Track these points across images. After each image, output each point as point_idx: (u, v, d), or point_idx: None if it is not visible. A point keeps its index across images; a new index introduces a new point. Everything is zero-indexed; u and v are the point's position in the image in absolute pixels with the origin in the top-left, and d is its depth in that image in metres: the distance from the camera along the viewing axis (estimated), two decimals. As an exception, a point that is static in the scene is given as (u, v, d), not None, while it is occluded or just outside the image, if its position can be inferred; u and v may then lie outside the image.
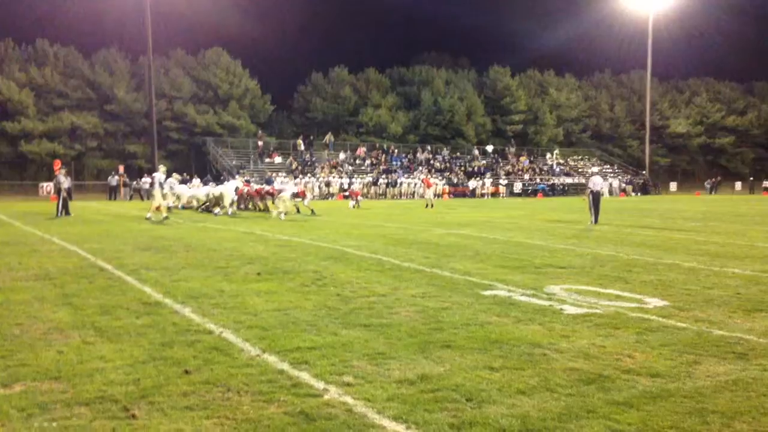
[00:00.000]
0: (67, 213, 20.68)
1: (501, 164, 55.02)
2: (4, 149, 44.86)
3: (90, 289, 7.52)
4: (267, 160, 46.33)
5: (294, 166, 44.39)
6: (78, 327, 5.69)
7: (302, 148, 47.78)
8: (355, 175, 45.19)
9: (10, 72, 45.51)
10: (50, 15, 50.58)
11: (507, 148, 58.19)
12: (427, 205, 28.72)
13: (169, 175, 22.60)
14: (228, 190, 22.52)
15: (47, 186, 35.53)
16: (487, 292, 7.45)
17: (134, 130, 49.37)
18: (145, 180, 34.70)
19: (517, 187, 50.04)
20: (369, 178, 44.69)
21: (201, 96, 52.21)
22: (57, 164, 29.40)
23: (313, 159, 47.37)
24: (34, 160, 44.82)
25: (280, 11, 57.06)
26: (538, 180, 53.04)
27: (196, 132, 50.00)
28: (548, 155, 59.25)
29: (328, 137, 50.77)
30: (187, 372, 4.37)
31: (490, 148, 56.93)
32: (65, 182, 21.29)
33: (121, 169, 39.99)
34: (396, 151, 52.17)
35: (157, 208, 18.95)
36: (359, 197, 29.72)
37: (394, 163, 49.92)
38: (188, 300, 6.87)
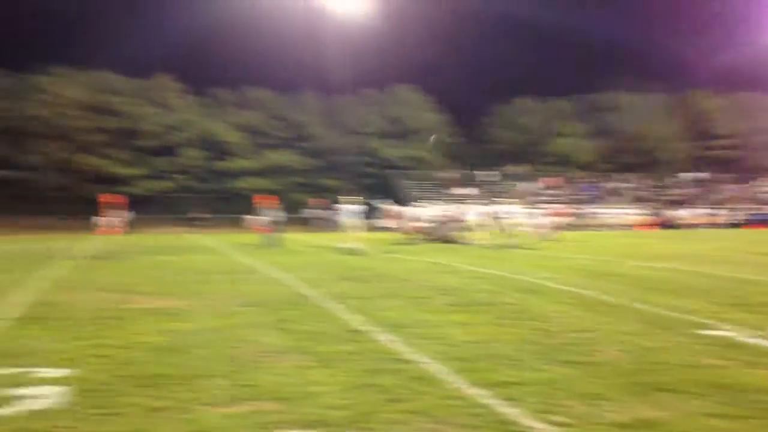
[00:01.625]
0: (276, 244, 22.37)
1: (704, 192, 50.93)
2: (218, 185, 49.79)
3: (299, 316, 8.01)
4: (452, 191, 46.88)
5: (480, 197, 44.47)
6: (291, 351, 6.07)
7: (488, 178, 47.81)
8: (543, 206, 44.16)
9: (226, 116, 50.77)
10: (256, 64, 55.80)
11: (709, 175, 53.82)
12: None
13: (353, 203, 23.52)
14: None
15: (255, 219, 38.75)
16: (704, 332, 6.83)
17: (330, 165, 52.49)
18: (337, 212, 36.56)
19: (726, 216, 45.91)
20: (556, 209, 43.44)
21: (388, 130, 54.45)
22: (263, 199, 31.95)
23: (500, 189, 47.15)
24: (244, 195, 49.25)
25: (463, 43, 58.05)
26: (748, 209, 48.29)
27: (384, 165, 52.06)
28: (761, 181, 53.88)
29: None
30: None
31: (690, 175, 53.02)
32: (272, 215, 23.13)
33: (318, 202, 42.64)
34: (585, 180, 50.37)
35: (352, 239, 19.90)
36: (550, 228, 28.95)
37: (584, 192, 48.21)
38: (389, 329, 7.06)
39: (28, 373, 5.35)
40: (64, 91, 45.53)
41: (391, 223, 23.00)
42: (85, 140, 45.72)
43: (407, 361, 5.61)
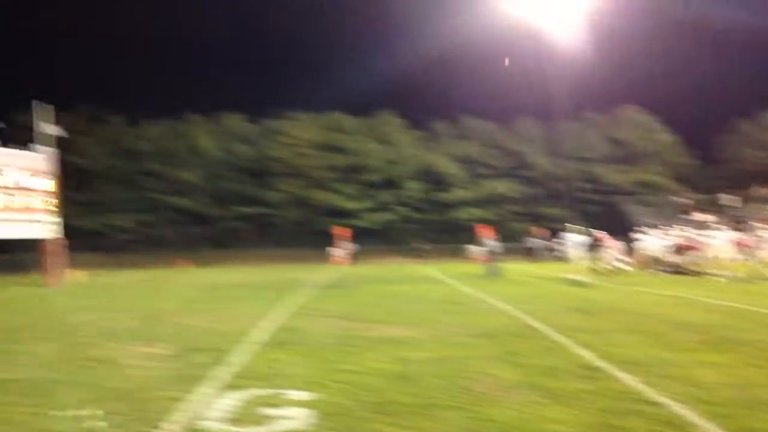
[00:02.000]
0: (497, 274, 22.29)
1: None
2: (438, 216, 51.02)
3: (528, 349, 7.82)
4: (688, 217, 43.18)
5: (720, 222, 40.40)
6: (523, 386, 5.93)
7: (729, 202, 43.40)
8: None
9: (444, 148, 52.11)
10: (473, 95, 56.73)
11: None
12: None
13: (578, 232, 22.65)
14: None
15: (475, 249, 38.99)
16: None
17: (550, 193, 51.32)
18: (561, 241, 35.48)
19: None
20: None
21: (613, 155, 51.97)
22: (483, 228, 32.03)
23: (744, 214, 42.48)
24: (463, 225, 49.85)
25: (692, 56, 53.73)
26: None
27: (610, 191, 49.65)
28: None
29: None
30: None
31: None
32: (493, 245, 23.11)
33: (540, 231, 41.77)
34: None
35: (579, 269, 19.15)
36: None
37: None
38: (627, 366, 6.61)
39: (278, 394, 5.82)
40: (301, 133, 50.02)
41: (618, 253, 21.75)
42: (318, 177, 49.68)
43: (652, 403, 5.19)
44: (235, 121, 52.50)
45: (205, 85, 71.06)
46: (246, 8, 77.59)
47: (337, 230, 39.69)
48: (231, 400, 5.59)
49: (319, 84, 62.86)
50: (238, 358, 7.62)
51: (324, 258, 38.31)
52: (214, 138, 51.06)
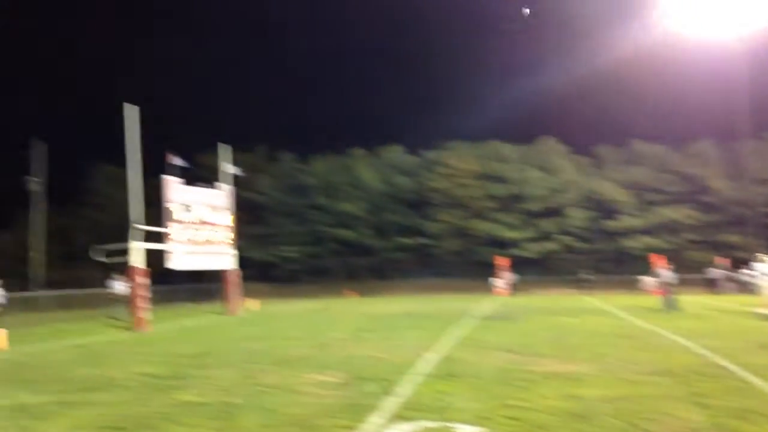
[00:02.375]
0: (674, 307, 20.76)
1: None
2: (605, 245, 48.68)
3: (715, 389, 7.15)
4: None
5: None
6: (712, 429, 5.40)
7: None
8: None
9: (610, 174, 49.81)
10: (642, 117, 53.75)
11: None
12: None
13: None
14: None
15: (648, 279, 36.68)
16: None
17: (731, 219, 47.24)
18: (748, 271, 32.38)
19: None
20: None
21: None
22: (657, 258, 30.13)
23: None
24: (633, 254, 47.15)
25: None
26: None
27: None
28: None
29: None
30: None
31: None
32: (668, 276, 21.58)
33: (723, 261, 38.46)
34: None
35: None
36: None
37: None
38: (840, 415, 5.82)
39: (448, 427, 5.75)
40: (460, 163, 50.18)
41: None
42: (478, 207, 49.44)
43: None
44: (395, 154, 53.87)
45: (368, 120, 73.80)
46: (403, 42, 79.89)
47: (498, 260, 39.21)
48: (401, 431, 5.60)
49: (477, 113, 62.85)
50: (406, 388, 7.65)
51: (484, 288, 37.93)
52: (376, 171, 52.64)
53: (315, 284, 46.47)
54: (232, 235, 25.53)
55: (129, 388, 8.26)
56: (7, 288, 20.97)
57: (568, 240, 48.73)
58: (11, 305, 21.77)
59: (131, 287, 19.38)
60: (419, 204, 51.01)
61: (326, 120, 73.50)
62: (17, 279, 40.20)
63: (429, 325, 16.83)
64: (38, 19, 78.18)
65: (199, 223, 23.48)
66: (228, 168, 26.29)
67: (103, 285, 25.48)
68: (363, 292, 41.20)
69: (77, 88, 74.23)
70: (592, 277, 40.01)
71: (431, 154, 52.06)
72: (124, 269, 20.18)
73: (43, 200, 41.07)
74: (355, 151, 54.36)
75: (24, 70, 72.16)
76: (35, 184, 40.04)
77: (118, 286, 23.34)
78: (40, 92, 71.14)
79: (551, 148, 52.18)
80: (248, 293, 28.69)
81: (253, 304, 28.78)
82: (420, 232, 49.81)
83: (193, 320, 22.37)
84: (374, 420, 6.08)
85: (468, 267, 47.09)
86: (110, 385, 8.51)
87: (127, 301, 20.05)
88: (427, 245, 49.53)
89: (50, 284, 37.00)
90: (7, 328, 15.68)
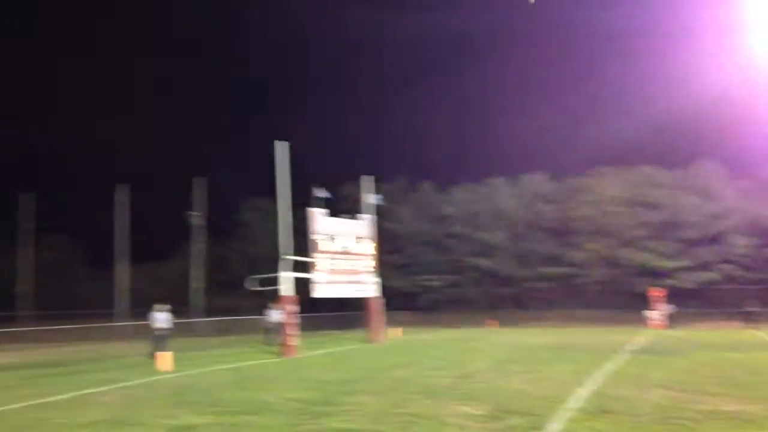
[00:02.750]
0: None
1: None
2: (773, 275, 44.55)
3: None
4: None
5: None
6: None
7: None
8: None
9: (775, 198, 45.76)
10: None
11: None
12: None
13: None
14: None
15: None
16: None
17: None
18: None
19: None
20: None
21: None
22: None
23: None
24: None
25: None
26: None
27: None
28: None
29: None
30: None
31: None
32: None
33: None
34: None
35: None
36: None
37: None
38: None
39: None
40: (607, 189, 48.14)
41: None
42: (627, 234, 47.03)
43: None
44: (537, 181, 52.70)
45: (507, 147, 72.99)
46: (542, 67, 78.57)
47: (653, 291, 36.98)
48: (554, 469, 5.36)
49: (624, 136, 60.16)
50: (555, 424, 7.34)
51: (635, 320, 35.89)
52: (517, 199, 51.77)
53: (456, 313, 46.18)
54: (375, 264, 26.03)
55: (282, 413, 8.57)
56: (173, 314, 22.61)
57: (729, 269, 45.05)
58: (175, 330, 23.44)
59: (285, 315, 20.23)
60: (563, 232, 49.43)
61: (465, 149, 73.47)
62: (179, 306, 43.41)
63: (578, 358, 16.12)
64: (198, 59, 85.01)
65: (343, 252, 24.18)
66: (370, 198, 26.94)
67: (256, 313, 26.80)
68: (504, 323, 40.38)
69: (231, 127, 79.74)
70: (759, 310, 36.65)
71: (575, 181, 50.44)
72: (276, 298, 21.12)
73: (203, 233, 44.19)
74: (495, 179, 53.89)
75: (184, 112, 78.50)
76: (196, 218, 43.22)
77: (274, 315, 24.40)
78: (198, 132, 76.93)
79: (709, 173, 48.77)
80: (391, 322, 29.01)
81: (395, 333, 29.06)
82: (564, 261, 48.18)
83: (338, 347, 22.94)
84: (524, 455, 5.87)
85: (617, 297, 44.76)
86: (265, 409, 8.87)
87: (280, 328, 20.95)
88: (572, 275, 47.75)
89: (209, 311, 39.52)
90: (172, 352, 16.89)
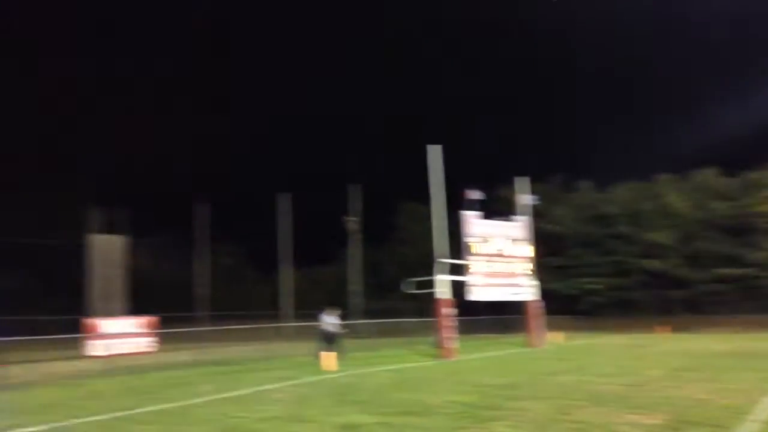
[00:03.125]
0: None
1: None
2: None
3: None
4: None
5: None
6: None
7: None
8: None
9: None
10: None
11: None
12: None
13: None
14: None
15: None
16: None
17: None
18: None
19: None
20: None
21: None
22: None
23: None
24: None
25: None
26: None
27: None
28: None
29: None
30: None
31: None
32: None
33: None
34: None
35: None
36: None
37: None
38: None
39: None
40: (789, 183, 43.74)
41: None
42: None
43: None
44: (709, 177, 48.82)
45: (675, 143, 68.38)
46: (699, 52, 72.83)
47: None
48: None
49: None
50: (744, 437, 6.71)
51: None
52: (686, 196, 48.33)
53: (622, 318, 43.95)
54: (531, 267, 25.40)
55: (444, 415, 8.55)
56: (343, 318, 23.37)
57: None
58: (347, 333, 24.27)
59: (443, 318, 20.28)
60: (740, 230, 45.46)
61: (625, 147, 69.79)
62: (338, 308, 44.97)
63: (762, 366, 14.69)
64: (344, 76, 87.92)
65: (498, 255, 23.83)
66: (525, 199, 26.36)
67: (412, 315, 27.15)
68: (676, 328, 37.81)
69: (385, 132, 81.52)
70: None
71: (754, 175, 46.19)
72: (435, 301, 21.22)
73: (359, 237, 45.56)
74: (661, 176, 50.70)
75: (337, 123, 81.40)
76: (352, 223, 44.69)
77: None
78: (352, 139, 79.40)
79: None
80: (551, 326, 28.16)
81: (557, 338, 28.16)
82: (742, 262, 44.24)
83: (496, 351, 22.61)
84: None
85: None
86: (427, 411, 8.90)
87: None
88: (751, 276, 43.71)
89: (367, 313, 40.60)
90: (337, 353, 17.50)
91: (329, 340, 18.87)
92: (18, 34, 59.44)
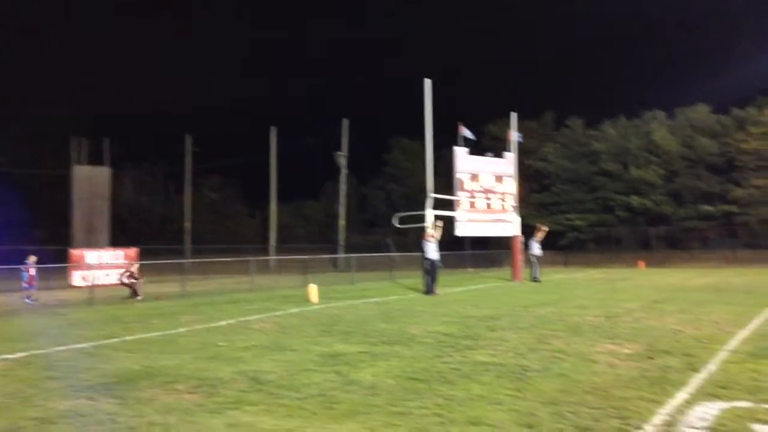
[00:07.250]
0: None
1: None
2: None
3: None
4: None
5: None
6: None
7: None
8: None
9: None
10: None
11: None
12: None
13: None
14: None
15: None
16: None
17: None
18: None
19: None
20: None
21: None
22: None
23: None
24: None
25: None
26: None
27: None
28: None
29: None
30: None
31: None
32: None
33: None
34: None
35: None
36: None
37: None
38: None
39: (763, 410, 5.04)
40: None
41: None
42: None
43: None
44: (698, 114, 48.63)
45: (663, 80, 67.92)
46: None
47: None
48: (713, 410, 5.04)
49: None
50: (713, 366, 6.91)
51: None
52: (673, 133, 48.30)
53: (603, 254, 44.58)
54: (516, 203, 25.52)
55: (426, 344, 8.71)
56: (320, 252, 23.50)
57: None
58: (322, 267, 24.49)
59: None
60: (725, 168, 45.79)
61: (619, 82, 69.29)
62: (325, 243, 45.31)
63: (738, 300, 15.02)
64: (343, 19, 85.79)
65: (484, 191, 23.87)
66: (513, 136, 26.27)
67: (390, 249, 27.24)
68: (654, 263, 38.43)
69: (377, 66, 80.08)
70: None
71: (741, 113, 46.12)
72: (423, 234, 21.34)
73: (348, 173, 45.41)
74: (650, 113, 50.53)
75: (332, 61, 79.87)
76: (342, 158, 44.44)
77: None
78: (345, 75, 78.27)
79: None
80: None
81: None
82: (724, 199, 44.72)
83: (479, 285, 22.95)
84: (679, 395, 5.57)
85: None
86: (409, 341, 9.06)
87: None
88: (732, 213, 44.26)
89: (351, 248, 40.93)
90: (316, 285, 17.66)
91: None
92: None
